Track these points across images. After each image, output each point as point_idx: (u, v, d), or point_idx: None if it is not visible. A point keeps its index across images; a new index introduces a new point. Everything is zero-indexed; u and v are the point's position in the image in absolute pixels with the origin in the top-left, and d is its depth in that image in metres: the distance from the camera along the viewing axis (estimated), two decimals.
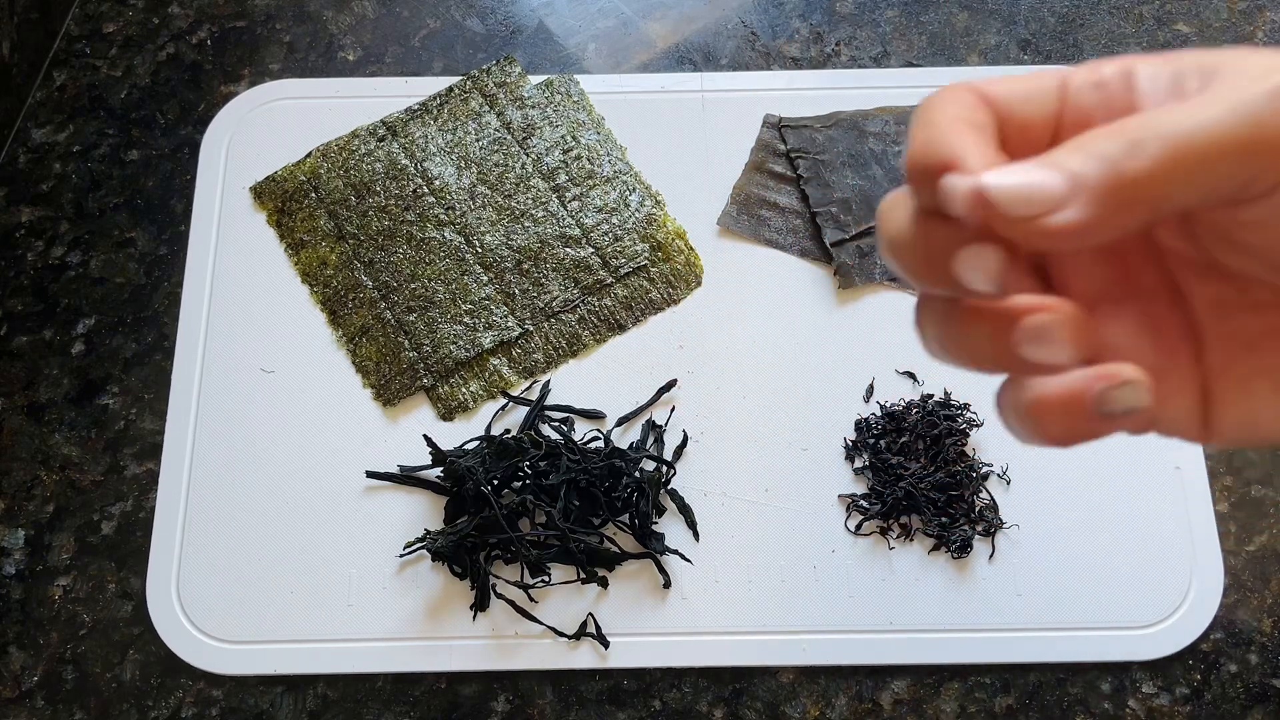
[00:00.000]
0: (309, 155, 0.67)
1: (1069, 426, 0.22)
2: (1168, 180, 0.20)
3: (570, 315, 0.63)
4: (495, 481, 0.57)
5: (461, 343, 0.62)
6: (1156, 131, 0.20)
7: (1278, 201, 0.21)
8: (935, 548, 0.58)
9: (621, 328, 0.63)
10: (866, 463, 0.59)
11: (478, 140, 0.67)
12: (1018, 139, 0.24)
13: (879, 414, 0.60)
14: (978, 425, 0.60)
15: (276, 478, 0.60)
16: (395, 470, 0.59)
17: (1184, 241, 0.24)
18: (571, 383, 0.62)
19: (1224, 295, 0.24)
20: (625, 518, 0.58)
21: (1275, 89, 0.20)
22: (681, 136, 0.68)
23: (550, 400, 0.61)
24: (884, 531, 0.58)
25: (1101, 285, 0.25)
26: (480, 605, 0.56)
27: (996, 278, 0.21)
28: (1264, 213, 0.21)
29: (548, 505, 0.56)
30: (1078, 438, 0.23)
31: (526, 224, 0.65)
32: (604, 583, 0.57)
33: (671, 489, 0.58)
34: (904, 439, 0.59)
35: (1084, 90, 0.23)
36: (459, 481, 0.57)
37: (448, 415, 0.61)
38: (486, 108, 0.68)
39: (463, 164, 0.67)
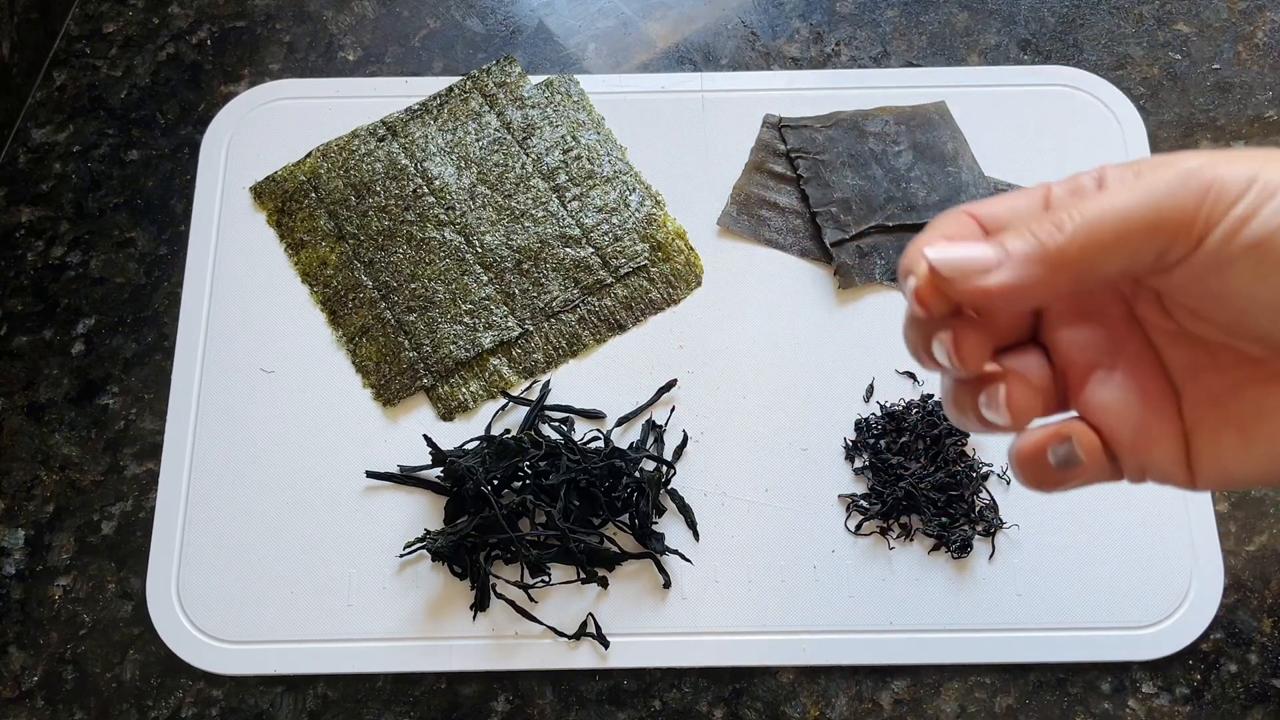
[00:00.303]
0: (309, 155, 0.67)
1: (1038, 474, 0.28)
2: (1084, 252, 0.25)
3: (570, 315, 0.63)
4: (495, 481, 0.57)
5: (461, 343, 0.62)
6: (1076, 212, 0.25)
7: (1191, 268, 0.25)
8: (935, 548, 0.58)
9: (621, 328, 0.63)
10: (866, 463, 0.59)
11: (478, 140, 0.67)
12: None
13: (879, 414, 0.60)
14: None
15: (276, 478, 0.60)
16: (395, 470, 0.59)
17: (1159, 315, 0.28)
18: (571, 383, 0.62)
19: (1195, 358, 0.28)
20: (625, 518, 0.58)
21: (1177, 174, 0.24)
22: (681, 136, 0.68)
23: (550, 400, 0.61)
24: (884, 531, 0.58)
25: (1094, 355, 0.29)
26: (480, 605, 0.56)
27: (951, 353, 0.27)
28: (1183, 279, 0.25)
29: (548, 505, 0.56)
30: (1049, 484, 0.28)
31: (526, 224, 0.65)
32: (604, 583, 0.57)
33: (671, 489, 0.58)
34: (904, 439, 0.59)
35: (1064, 199, 0.28)
36: (459, 481, 0.57)
37: (448, 415, 0.61)
38: (486, 108, 0.68)
39: (463, 164, 0.67)
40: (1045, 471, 0.27)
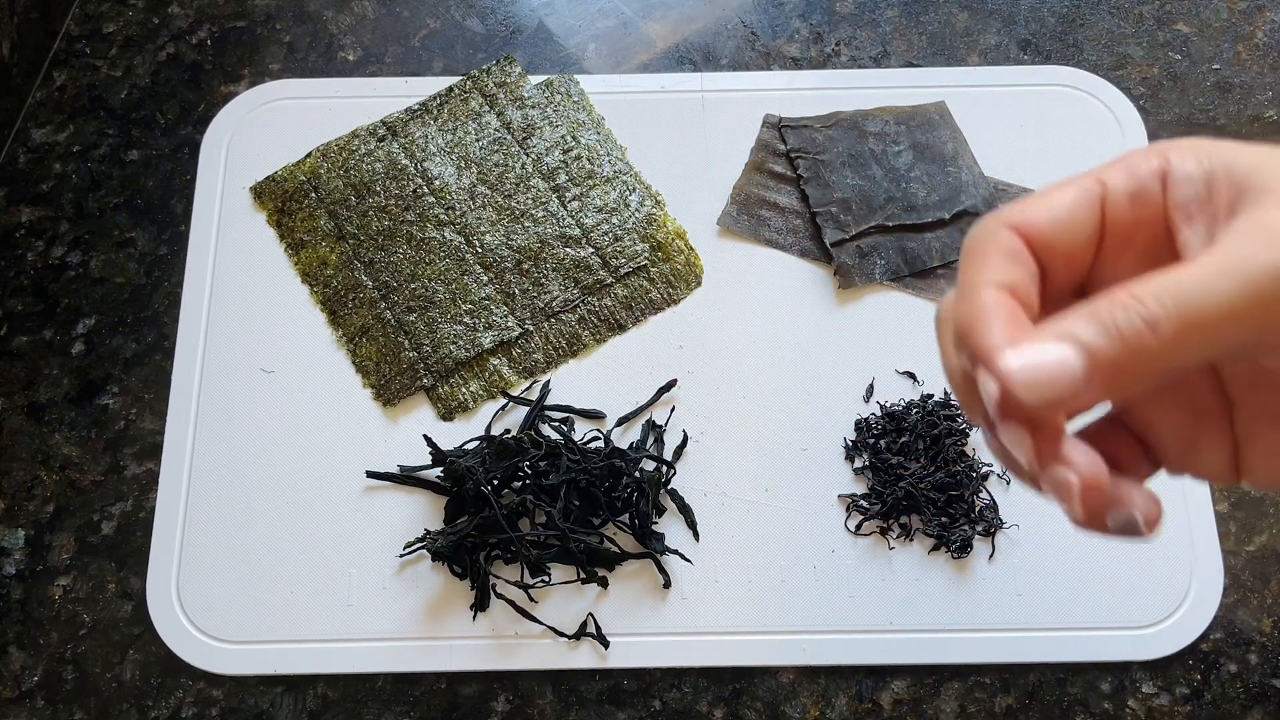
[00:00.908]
0: (309, 155, 0.67)
1: (1089, 525, 0.25)
2: (1177, 352, 0.22)
3: (570, 315, 0.63)
4: (495, 481, 0.57)
5: (461, 343, 0.62)
6: (1170, 306, 0.22)
7: None
8: (935, 548, 0.58)
9: (621, 328, 0.63)
10: (866, 463, 0.59)
11: (478, 140, 0.67)
12: (1061, 265, 0.25)
13: (879, 414, 0.60)
14: (977, 425, 0.60)
15: (276, 478, 0.60)
16: (395, 470, 0.59)
17: None
18: (571, 383, 0.62)
19: (1255, 373, 0.26)
20: (625, 518, 0.58)
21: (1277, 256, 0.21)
22: (681, 136, 0.68)
23: (550, 400, 0.61)
24: (884, 531, 0.58)
25: None
26: (480, 605, 0.56)
27: (1032, 461, 0.24)
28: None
29: (548, 505, 0.56)
30: (1099, 533, 0.26)
31: (526, 224, 0.65)
32: (604, 583, 0.57)
33: (671, 489, 0.58)
34: (904, 439, 0.59)
35: (1121, 206, 0.25)
36: (459, 481, 0.57)
37: (448, 415, 0.61)
38: (486, 108, 0.68)
39: (463, 164, 0.67)
40: (1099, 527, 0.25)
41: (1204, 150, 0.24)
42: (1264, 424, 0.26)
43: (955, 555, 0.57)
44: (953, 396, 0.60)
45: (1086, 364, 0.22)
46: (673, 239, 0.65)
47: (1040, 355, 0.22)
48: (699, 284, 0.64)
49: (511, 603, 0.56)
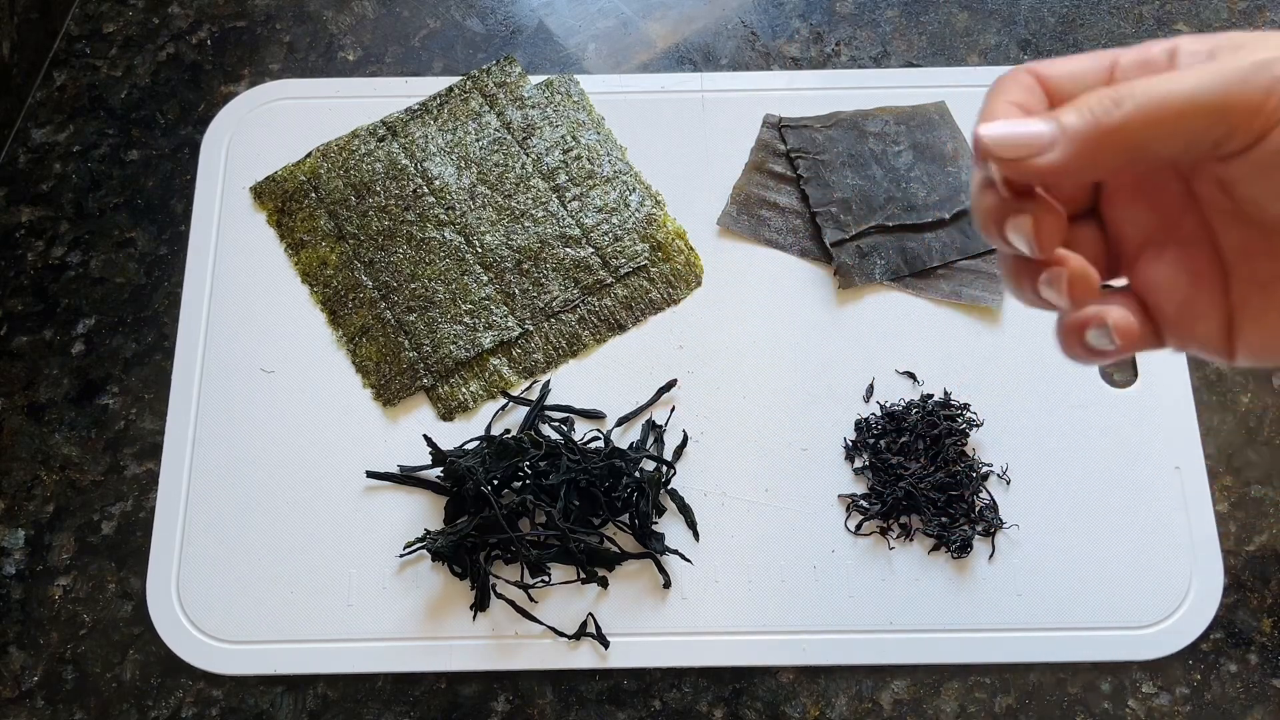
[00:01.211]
0: (309, 155, 0.67)
1: (1076, 348, 0.29)
2: (1140, 132, 0.25)
3: (570, 315, 0.63)
4: (495, 481, 0.57)
5: (461, 343, 0.62)
6: (1138, 90, 0.25)
7: (1252, 160, 0.25)
8: (935, 548, 0.58)
9: (621, 328, 0.63)
10: (866, 463, 0.59)
11: (478, 140, 0.67)
12: None
13: (879, 414, 0.60)
14: (978, 425, 0.60)
15: (276, 478, 0.60)
16: (395, 470, 0.59)
17: (1217, 193, 0.28)
18: (571, 383, 0.62)
19: (1249, 240, 0.28)
20: (625, 518, 0.58)
21: (1251, 64, 0.24)
22: (681, 136, 0.68)
23: (550, 400, 0.61)
24: (884, 531, 0.58)
25: (1148, 232, 0.30)
26: (480, 605, 0.56)
27: (1030, 238, 0.27)
28: (1243, 169, 0.26)
29: (548, 505, 0.56)
30: (1086, 358, 0.29)
31: (526, 224, 0.65)
32: (604, 583, 0.57)
33: (671, 489, 0.58)
34: (904, 439, 0.59)
35: (1131, 68, 0.28)
36: (459, 481, 0.57)
37: (448, 415, 0.61)
38: (486, 108, 0.68)
39: (463, 164, 0.67)
40: (1083, 347, 0.29)
41: (1214, 36, 0.27)
42: (1255, 290, 0.28)
43: (955, 555, 0.57)
44: (953, 396, 0.60)
45: (1055, 130, 0.26)
46: (673, 239, 0.65)
47: (1014, 125, 0.26)
48: (699, 284, 0.64)
49: (511, 603, 0.56)
